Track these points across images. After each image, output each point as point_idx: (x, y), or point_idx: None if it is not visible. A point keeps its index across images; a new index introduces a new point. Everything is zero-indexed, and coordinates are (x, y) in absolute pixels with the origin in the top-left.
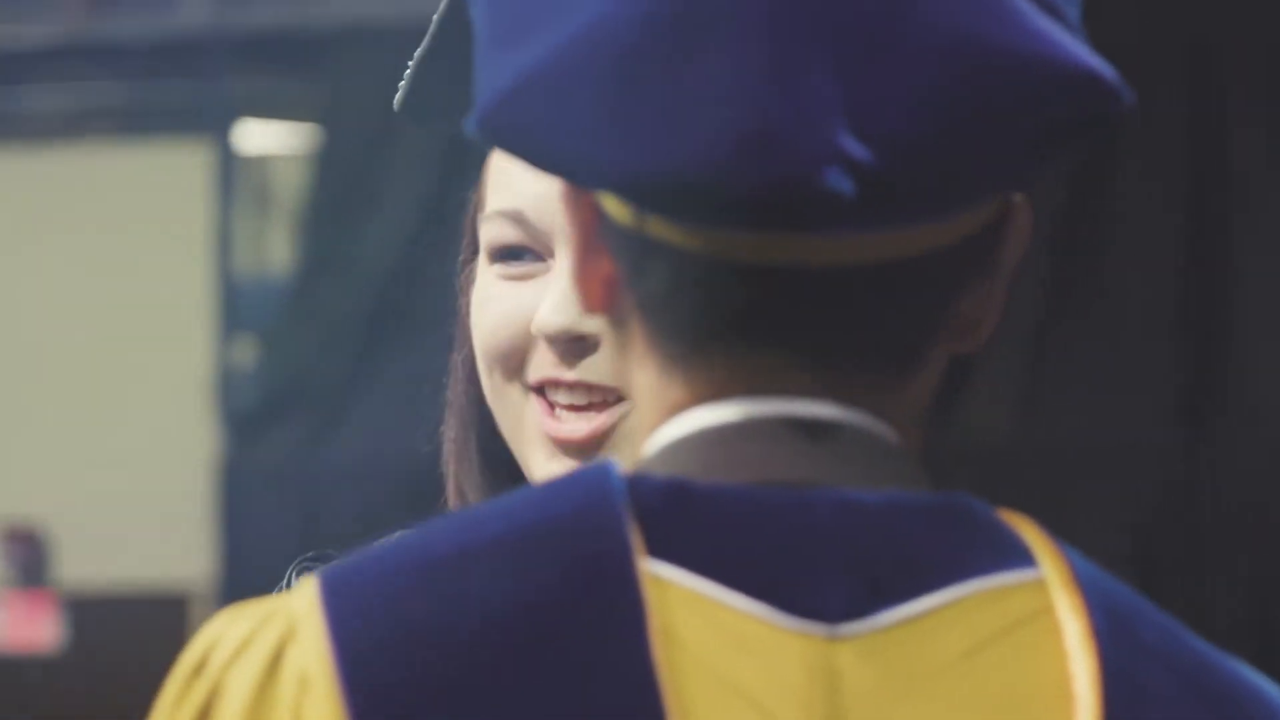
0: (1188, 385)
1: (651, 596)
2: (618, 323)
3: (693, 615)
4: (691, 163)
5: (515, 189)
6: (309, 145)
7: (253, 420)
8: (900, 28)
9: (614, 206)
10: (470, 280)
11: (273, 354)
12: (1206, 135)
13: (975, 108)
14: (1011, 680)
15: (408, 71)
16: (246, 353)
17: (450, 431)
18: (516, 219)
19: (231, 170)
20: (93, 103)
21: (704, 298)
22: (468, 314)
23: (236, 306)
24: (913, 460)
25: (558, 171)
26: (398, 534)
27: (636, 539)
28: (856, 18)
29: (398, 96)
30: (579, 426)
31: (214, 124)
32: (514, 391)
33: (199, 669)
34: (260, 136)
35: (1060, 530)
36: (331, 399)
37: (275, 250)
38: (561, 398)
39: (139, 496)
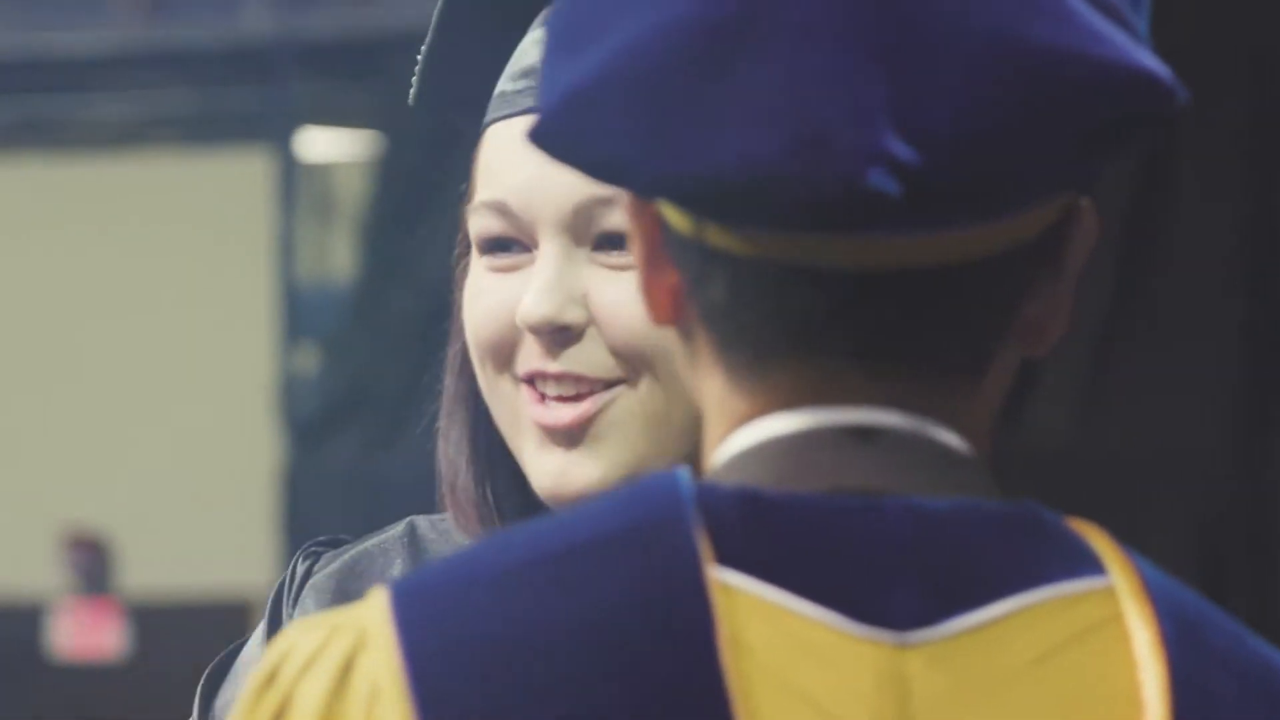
0: (1251, 389)
1: (720, 605)
2: (685, 334)
3: (762, 623)
4: (736, 165)
5: (499, 180)
6: (370, 152)
7: (315, 427)
8: (948, 27)
9: (675, 217)
10: (465, 274)
11: (335, 361)
12: (1269, 142)
13: (1024, 107)
14: (1080, 688)
15: (418, 66)
16: (308, 360)
17: (443, 426)
18: (500, 210)
19: (293, 177)
20: (154, 110)
21: (764, 306)
22: (461, 308)
23: (298, 313)
24: (982, 468)
25: (611, 179)
26: (402, 524)
27: (705, 547)
28: (904, 18)
29: (411, 91)
30: (564, 413)
31: (275, 131)
32: (505, 384)
33: (270, 680)
34: (322, 143)
35: (1123, 535)
36: (393, 405)
37: (337, 257)
38: (550, 389)
39: (201, 504)
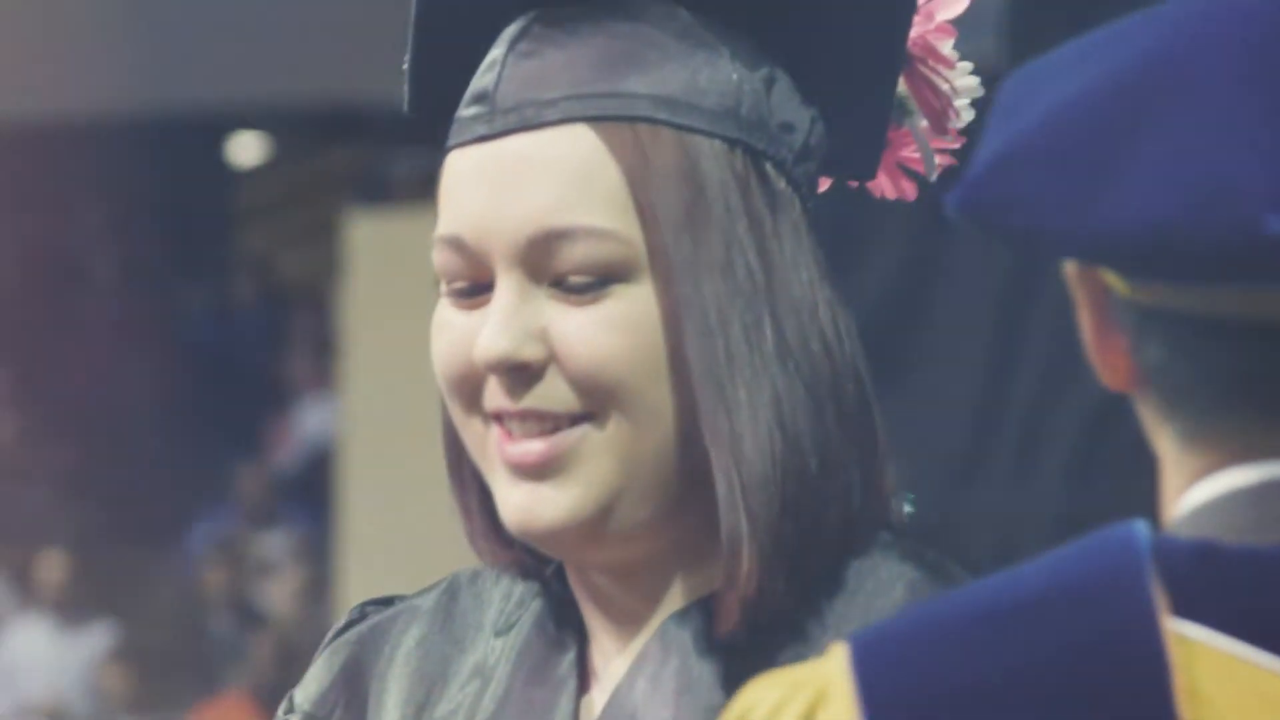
0: None
1: (1177, 656)
2: (1140, 397)
3: (1220, 674)
4: (1144, 221)
5: (453, 212)
6: None
7: None
8: None
9: (1114, 281)
10: None
11: None
12: None
13: None
14: None
15: (406, 73)
16: None
17: (452, 463)
18: (456, 244)
19: None
20: None
21: (1200, 362)
22: None
23: None
24: None
25: (1028, 244)
26: (447, 580)
27: (1161, 600)
28: None
29: (405, 99)
30: (531, 448)
31: None
32: (476, 422)
33: None
34: None
35: None
36: None
37: None
38: (515, 427)
39: None
